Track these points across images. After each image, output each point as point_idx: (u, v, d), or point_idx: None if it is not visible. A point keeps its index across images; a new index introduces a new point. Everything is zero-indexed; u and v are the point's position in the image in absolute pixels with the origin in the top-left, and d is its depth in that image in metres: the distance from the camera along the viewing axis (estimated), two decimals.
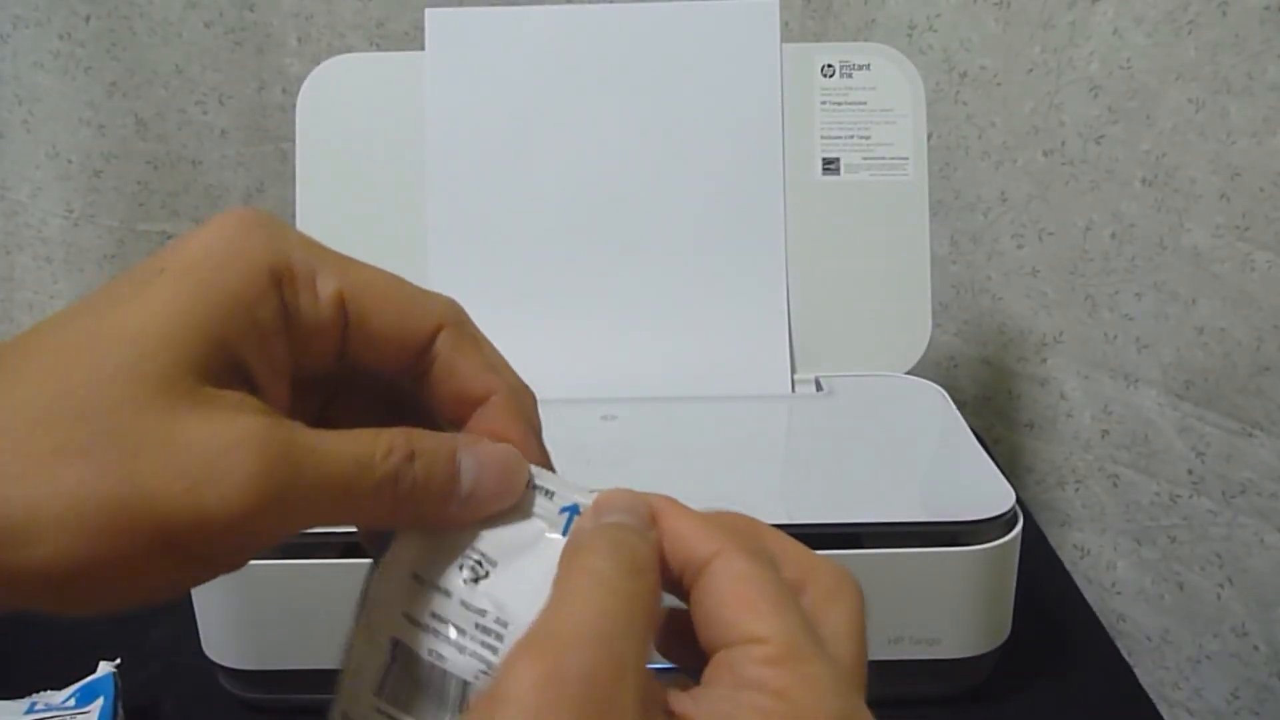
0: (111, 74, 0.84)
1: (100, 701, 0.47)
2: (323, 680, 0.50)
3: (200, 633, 0.49)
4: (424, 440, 0.23)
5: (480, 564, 0.24)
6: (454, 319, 0.25)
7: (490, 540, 0.24)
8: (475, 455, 0.24)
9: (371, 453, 0.22)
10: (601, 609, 0.21)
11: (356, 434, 0.22)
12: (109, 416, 0.20)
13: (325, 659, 0.51)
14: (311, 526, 0.22)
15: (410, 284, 0.25)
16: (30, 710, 0.47)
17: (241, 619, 0.48)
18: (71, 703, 0.47)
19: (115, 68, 0.84)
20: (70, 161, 0.85)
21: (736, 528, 0.25)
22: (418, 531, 0.24)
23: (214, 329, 0.21)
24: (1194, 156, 0.70)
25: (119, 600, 0.21)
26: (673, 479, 0.52)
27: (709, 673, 0.22)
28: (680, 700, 0.21)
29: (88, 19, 0.82)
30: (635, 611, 0.21)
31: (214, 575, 0.21)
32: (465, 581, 0.23)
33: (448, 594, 0.23)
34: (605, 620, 0.20)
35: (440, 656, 0.23)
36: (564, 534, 0.24)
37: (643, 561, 0.22)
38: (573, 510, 0.24)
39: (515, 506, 0.24)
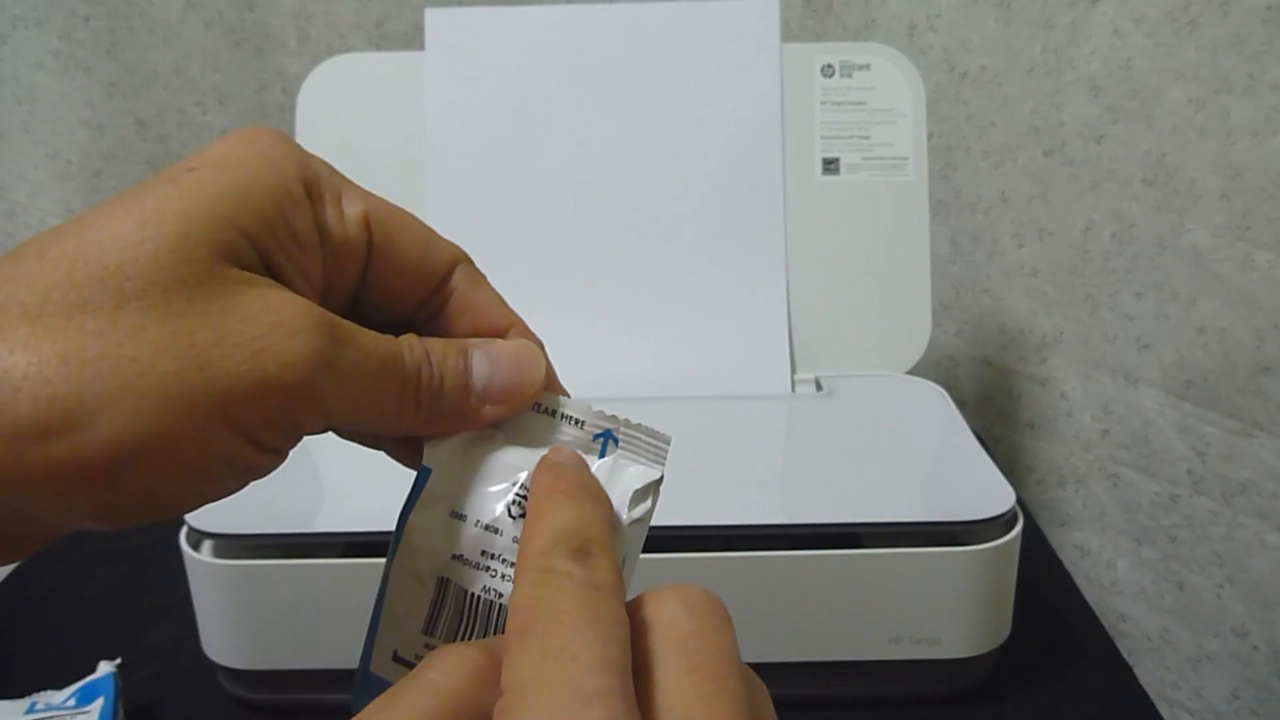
0: (111, 74, 0.84)
1: (100, 701, 0.47)
2: (323, 680, 0.50)
3: (200, 633, 0.49)
4: (433, 341, 0.24)
5: (524, 498, 0.24)
6: (466, 257, 0.26)
7: (530, 472, 0.24)
8: (487, 350, 0.24)
9: (398, 348, 0.23)
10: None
11: (380, 334, 0.23)
12: (158, 296, 0.19)
13: (325, 659, 0.51)
14: (352, 418, 0.22)
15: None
16: (30, 710, 0.47)
17: (241, 619, 0.48)
18: (71, 703, 0.47)
19: (115, 68, 0.84)
20: (70, 162, 0.85)
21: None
22: (451, 466, 0.24)
23: (251, 226, 0.21)
24: (1194, 156, 0.70)
25: (170, 497, 0.20)
26: (673, 479, 0.52)
27: None
28: None
29: (87, 19, 0.82)
30: None
31: (262, 465, 0.21)
32: (513, 517, 0.24)
33: (497, 531, 0.23)
34: None
35: (498, 594, 0.23)
36: (601, 457, 0.24)
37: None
38: (606, 435, 0.25)
39: (547, 438, 0.24)
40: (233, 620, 0.48)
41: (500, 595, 0.23)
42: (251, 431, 0.20)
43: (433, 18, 0.65)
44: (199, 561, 0.47)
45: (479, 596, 0.23)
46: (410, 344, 0.23)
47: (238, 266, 0.20)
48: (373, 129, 0.66)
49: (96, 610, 0.60)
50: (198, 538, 0.47)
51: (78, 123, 0.84)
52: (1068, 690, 0.52)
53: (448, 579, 0.23)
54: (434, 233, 0.25)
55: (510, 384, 0.24)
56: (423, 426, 0.24)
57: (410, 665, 0.24)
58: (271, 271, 0.21)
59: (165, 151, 0.86)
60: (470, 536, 0.23)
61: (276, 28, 0.84)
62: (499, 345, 0.25)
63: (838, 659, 0.48)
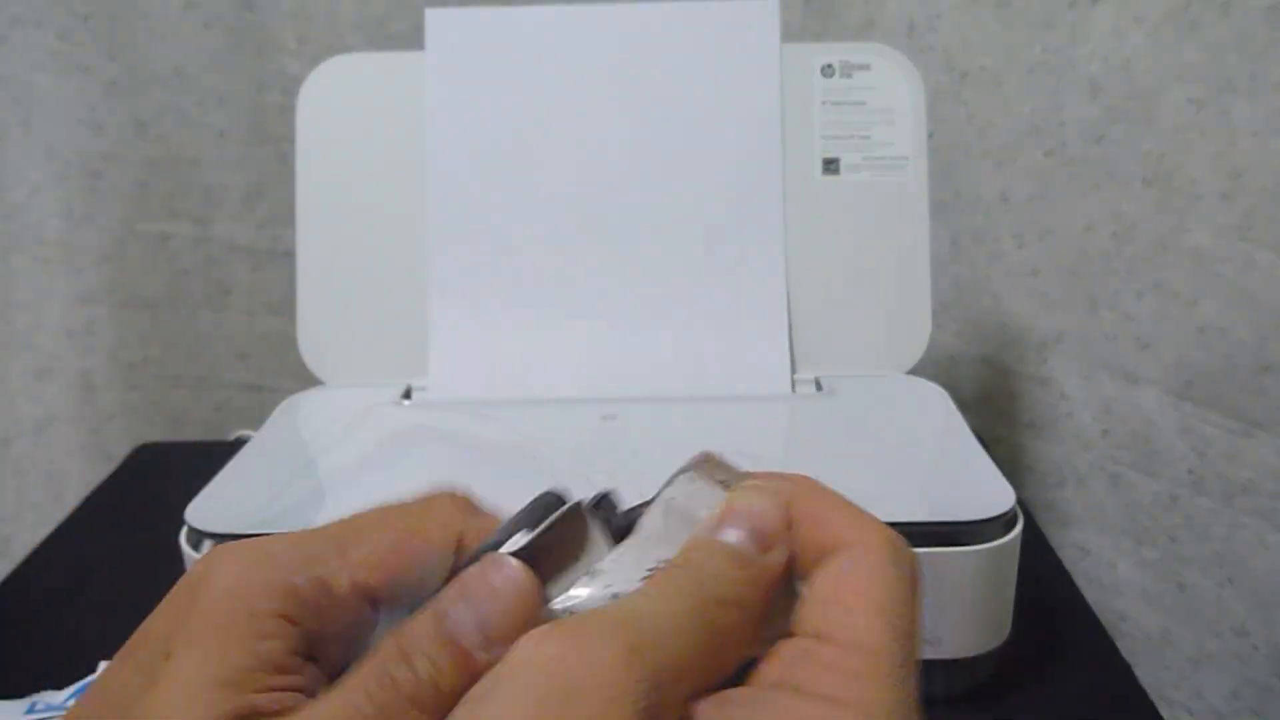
0: (110, 74, 0.84)
1: None
2: None
3: None
4: (404, 631, 0.21)
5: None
6: (455, 524, 0.24)
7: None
8: (461, 595, 0.22)
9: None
10: (663, 612, 0.20)
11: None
12: None
13: None
14: None
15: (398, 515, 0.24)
16: (30, 710, 0.47)
17: None
18: (72, 703, 0.47)
19: (114, 68, 0.84)
20: (69, 162, 0.85)
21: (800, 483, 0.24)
22: None
23: (239, 700, 0.20)
24: (1195, 156, 0.70)
25: None
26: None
27: (759, 666, 0.21)
28: (704, 706, 0.20)
29: (86, 19, 0.82)
30: (694, 642, 0.20)
31: None
32: None
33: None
34: (650, 626, 0.19)
35: None
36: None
37: (732, 597, 0.21)
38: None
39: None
40: None
41: None
42: None
43: (433, 18, 0.65)
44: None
45: None
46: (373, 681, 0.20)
47: None
48: (373, 129, 0.66)
49: (96, 610, 0.60)
50: (198, 538, 0.47)
51: (77, 123, 0.84)
52: (1068, 690, 0.52)
53: None
54: (413, 538, 0.24)
55: (502, 617, 0.21)
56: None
57: None
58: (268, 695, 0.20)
59: (164, 151, 0.86)
60: None
61: (276, 28, 0.84)
62: (467, 583, 0.22)
63: None
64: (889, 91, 0.64)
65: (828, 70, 0.65)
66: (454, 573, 0.22)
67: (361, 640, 0.23)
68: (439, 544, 0.23)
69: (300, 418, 0.62)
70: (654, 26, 0.64)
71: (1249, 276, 0.68)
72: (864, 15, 0.80)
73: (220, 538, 0.47)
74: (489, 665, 0.20)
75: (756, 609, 0.22)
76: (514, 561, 0.21)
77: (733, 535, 0.22)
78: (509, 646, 0.20)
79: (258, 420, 0.62)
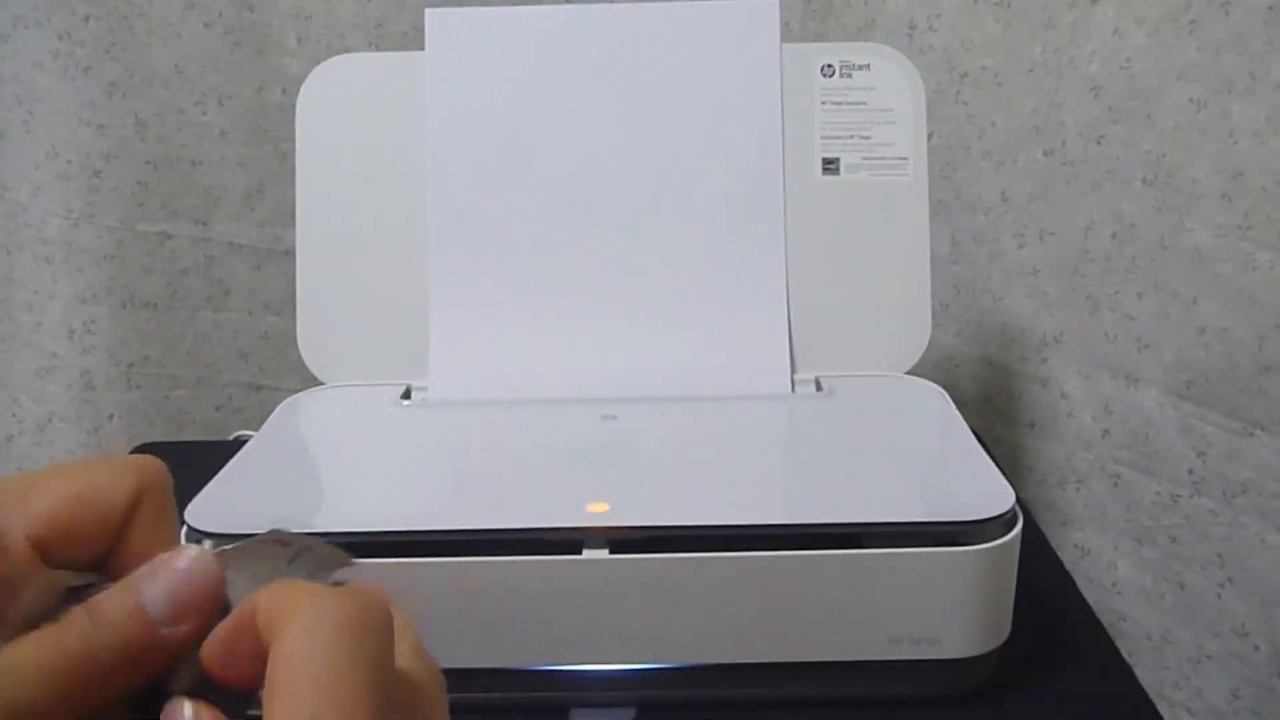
0: (111, 74, 0.84)
1: None
2: None
3: None
4: (101, 606, 0.22)
5: None
6: (134, 485, 0.24)
7: None
8: (157, 576, 0.23)
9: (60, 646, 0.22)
10: None
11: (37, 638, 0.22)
12: None
13: None
14: None
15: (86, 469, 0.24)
16: None
17: None
18: None
19: (115, 68, 0.84)
20: (70, 161, 0.85)
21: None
22: None
23: None
24: (1196, 156, 0.70)
25: None
26: (673, 479, 0.52)
27: None
28: None
29: (87, 19, 0.82)
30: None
31: None
32: None
33: None
34: None
35: None
36: None
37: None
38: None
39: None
40: None
41: None
42: None
43: (433, 18, 0.65)
44: None
45: None
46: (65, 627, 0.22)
47: None
48: (373, 129, 0.66)
49: None
50: (197, 538, 0.47)
51: (78, 122, 0.84)
52: (1068, 690, 0.52)
53: None
54: (99, 490, 0.24)
55: (189, 596, 0.23)
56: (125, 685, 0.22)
57: None
58: None
59: (165, 151, 0.86)
60: None
61: (276, 28, 0.84)
62: (159, 563, 0.23)
63: (838, 659, 0.48)
64: (889, 91, 0.64)
65: (828, 70, 0.65)
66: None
67: (26, 598, 0.23)
68: (116, 503, 0.24)
69: (300, 418, 0.62)
70: (654, 26, 0.64)
71: (1249, 276, 0.68)
72: (864, 15, 0.80)
73: (221, 538, 0.47)
74: (170, 640, 0.22)
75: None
76: (198, 548, 0.23)
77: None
78: (190, 624, 0.22)
79: (258, 420, 0.62)
